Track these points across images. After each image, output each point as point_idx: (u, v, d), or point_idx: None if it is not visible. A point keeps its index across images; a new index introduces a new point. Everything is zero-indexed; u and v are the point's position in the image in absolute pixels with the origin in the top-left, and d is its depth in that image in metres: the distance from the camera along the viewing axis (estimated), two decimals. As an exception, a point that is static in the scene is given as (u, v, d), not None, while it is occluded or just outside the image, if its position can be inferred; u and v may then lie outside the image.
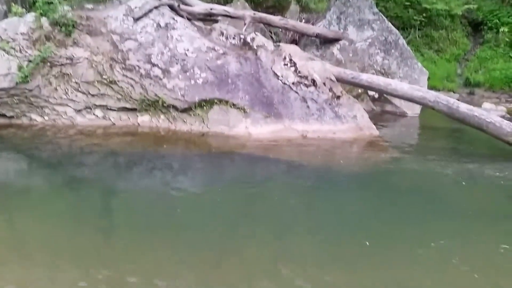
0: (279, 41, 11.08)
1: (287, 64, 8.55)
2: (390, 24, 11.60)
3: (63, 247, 4.20)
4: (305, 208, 5.51)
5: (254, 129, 7.93)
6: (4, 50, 7.56)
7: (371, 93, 11.01)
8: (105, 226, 4.81)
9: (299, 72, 8.47)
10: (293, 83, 8.37)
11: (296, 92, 8.31)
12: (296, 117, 8.15)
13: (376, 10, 11.60)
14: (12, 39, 7.75)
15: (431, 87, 11.72)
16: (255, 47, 8.77)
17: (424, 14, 15.85)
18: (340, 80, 8.90)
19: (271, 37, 11.24)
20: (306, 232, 4.74)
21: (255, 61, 8.57)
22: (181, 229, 4.66)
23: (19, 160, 6.95)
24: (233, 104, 8.09)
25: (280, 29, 11.53)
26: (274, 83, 8.38)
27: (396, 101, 10.84)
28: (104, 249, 4.28)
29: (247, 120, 7.99)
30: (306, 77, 8.43)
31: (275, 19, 10.05)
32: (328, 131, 8.15)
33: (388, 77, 10.07)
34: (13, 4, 8.71)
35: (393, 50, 11.36)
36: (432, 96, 8.33)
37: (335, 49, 11.17)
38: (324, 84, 8.50)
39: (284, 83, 8.34)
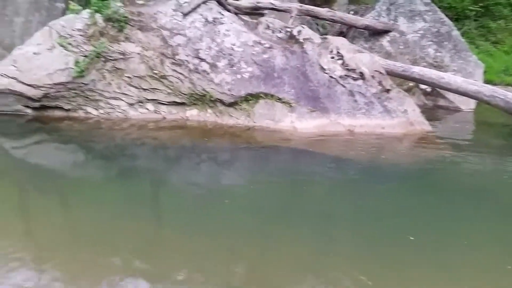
0: (326, 34, 10.90)
1: (334, 57, 8.40)
2: (443, 15, 11.11)
3: (109, 235, 4.35)
4: (351, 203, 5.39)
5: (299, 123, 7.87)
6: (62, 46, 7.96)
7: (423, 87, 10.60)
8: (152, 217, 4.94)
9: (346, 65, 8.30)
10: (340, 77, 8.22)
11: (343, 86, 8.16)
12: (343, 111, 8.00)
13: (428, 0, 11.13)
14: (69, 35, 8.13)
15: (487, 81, 11.13)
16: (302, 40, 8.69)
17: (480, 4, 15.01)
18: (390, 73, 8.64)
19: (318, 29, 11.09)
20: (351, 227, 4.65)
21: (301, 55, 8.49)
22: (227, 221, 4.70)
23: (75, 151, 7.28)
24: (279, 99, 8.07)
25: (327, 22, 11.34)
26: (320, 76, 8.27)
27: (450, 95, 10.38)
28: (149, 239, 4.38)
29: (292, 114, 7.95)
30: (354, 70, 8.25)
31: (323, 11, 9.90)
32: (376, 126, 7.94)
33: (440, 71, 9.64)
34: (71, 2, 9.18)
35: (446, 42, 10.89)
36: (488, 90, 7.91)
37: (384, 41, 10.86)
38: (373, 77, 8.28)
39: (331, 77, 8.21)
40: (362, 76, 8.20)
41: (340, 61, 8.33)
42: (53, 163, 6.75)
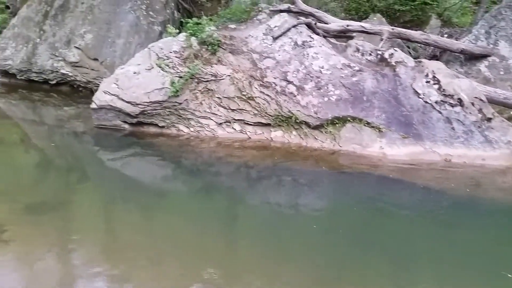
0: (418, 57, 10.42)
1: (429, 82, 7.97)
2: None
3: (189, 246, 4.53)
4: (437, 241, 4.98)
5: (389, 149, 7.53)
6: (160, 66, 8.47)
7: (527, 115, 9.62)
8: (236, 236, 5.02)
9: (443, 90, 7.82)
10: (436, 102, 7.76)
11: (440, 112, 7.68)
12: (439, 139, 7.50)
13: (535, 22, 10.20)
14: (166, 56, 8.65)
15: None
16: (394, 63, 8.39)
17: None
18: (490, 100, 7.99)
19: (409, 52, 10.64)
20: (432, 267, 4.31)
21: (393, 78, 8.18)
22: (298, 246, 4.62)
23: (165, 166, 7.65)
24: (367, 123, 7.81)
25: (419, 45, 10.86)
26: (414, 101, 7.87)
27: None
28: (234, 259, 4.43)
29: (382, 140, 7.62)
30: (451, 96, 7.74)
31: (415, 34, 9.49)
32: (476, 157, 7.33)
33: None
34: (169, 26, 9.79)
35: (556, 68, 9.83)
36: None
37: (482, 66, 10.08)
38: (473, 104, 7.69)
39: (426, 102, 7.78)
40: (460, 102, 7.66)
41: (436, 86, 7.87)
42: (143, 176, 7.19)
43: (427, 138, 7.52)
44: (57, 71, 12.12)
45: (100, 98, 8.28)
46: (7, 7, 15.41)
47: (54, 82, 12.49)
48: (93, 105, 8.37)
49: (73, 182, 6.64)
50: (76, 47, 11.58)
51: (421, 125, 7.62)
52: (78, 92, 12.20)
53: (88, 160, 7.77)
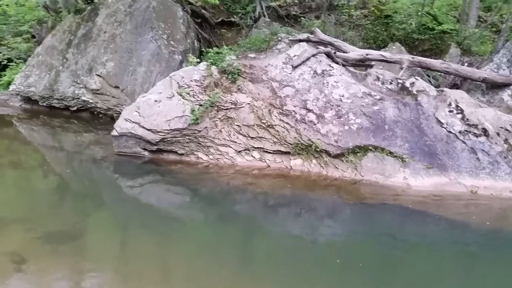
0: (438, 86, 10.32)
1: (452, 111, 7.85)
2: None
3: (204, 278, 4.47)
4: (464, 277, 4.78)
5: (413, 180, 7.34)
6: (180, 95, 8.55)
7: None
8: (248, 265, 4.93)
9: (467, 119, 7.68)
10: (460, 132, 7.61)
11: (464, 142, 7.51)
12: (464, 170, 7.31)
13: (559, 50, 10.06)
14: (187, 85, 8.74)
15: None
16: (415, 92, 8.31)
17: None
18: (516, 130, 7.79)
19: (429, 81, 10.56)
20: None
21: (415, 107, 8.08)
22: (318, 280, 4.47)
23: (183, 193, 7.61)
24: (390, 152, 7.67)
25: (439, 73, 10.78)
26: (437, 131, 7.74)
27: None
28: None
29: (405, 170, 7.45)
30: (475, 126, 7.59)
31: (436, 63, 9.42)
32: (503, 189, 7.09)
33: None
34: (190, 55, 9.94)
35: None
36: None
37: (505, 95, 9.89)
38: (498, 134, 7.52)
39: (449, 132, 7.63)
40: (485, 132, 7.49)
41: (459, 116, 7.74)
42: (162, 204, 7.17)
43: (452, 168, 7.33)
44: (78, 98, 12.35)
45: (121, 125, 8.35)
46: (33, 37, 15.94)
47: (75, 108, 12.72)
48: (114, 132, 8.43)
49: (92, 210, 6.62)
50: (98, 75, 11.81)
51: (445, 155, 7.45)
52: (98, 118, 12.39)
53: (107, 187, 7.78)
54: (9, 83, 14.40)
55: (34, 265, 4.49)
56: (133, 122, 8.32)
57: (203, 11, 13.97)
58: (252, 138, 8.40)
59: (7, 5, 14.86)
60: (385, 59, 9.40)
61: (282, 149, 8.34)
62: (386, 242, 5.63)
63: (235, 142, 8.41)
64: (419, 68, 10.37)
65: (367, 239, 5.69)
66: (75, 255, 4.91)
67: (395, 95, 8.48)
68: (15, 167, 8.53)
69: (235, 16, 13.86)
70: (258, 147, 8.42)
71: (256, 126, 8.40)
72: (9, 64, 15.33)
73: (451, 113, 7.81)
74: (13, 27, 16.72)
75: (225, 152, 8.43)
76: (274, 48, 9.71)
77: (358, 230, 6.11)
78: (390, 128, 7.88)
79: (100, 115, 12.36)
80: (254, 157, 8.44)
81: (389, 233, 5.96)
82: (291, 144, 8.25)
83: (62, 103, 12.83)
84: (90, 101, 12.18)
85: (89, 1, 13.84)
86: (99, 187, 7.75)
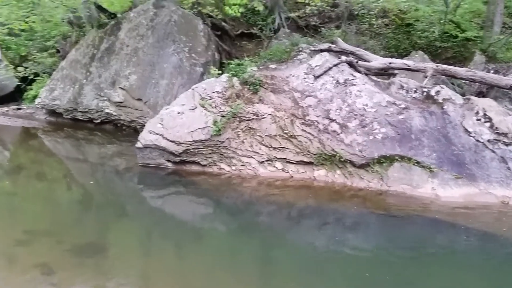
0: (463, 94, 10.10)
1: (480, 119, 7.65)
2: None
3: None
4: None
5: (442, 191, 7.15)
6: (203, 106, 8.59)
7: None
8: (273, 278, 4.86)
9: (496, 128, 7.47)
10: (488, 141, 7.40)
11: (493, 151, 7.30)
12: (494, 180, 7.09)
13: None
14: (209, 97, 8.78)
15: None
16: (441, 101, 8.15)
17: None
18: (548, 138, 7.53)
19: (454, 89, 10.34)
20: None
21: (442, 116, 7.91)
22: None
23: (206, 204, 7.61)
24: (417, 162, 7.50)
25: (464, 82, 10.56)
26: (465, 140, 7.54)
27: None
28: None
29: (433, 180, 7.27)
30: (505, 135, 7.37)
31: (461, 70, 9.22)
32: (537, 199, 6.84)
33: None
34: (212, 67, 10.02)
35: None
36: None
37: (534, 102, 9.64)
38: (529, 142, 7.28)
39: (478, 141, 7.43)
40: (516, 141, 7.27)
41: (487, 124, 7.54)
42: (184, 214, 7.21)
43: (482, 178, 7.12)
44: (101, 111, 12.57)
45: (145, 137, 8.42)
46: (58, 51, 16.38)
47: (98, 121, 12.94)
48: (138, 144, 8.51)
49: (117, 221, 6.67)
50: (121, 88, 12.01)
51: (474, 165, 7.24)
52: (121, 130, 12.56)
53: (131, 198, 7.85)
54: (35, 97, 14.80)
55: (62, 277, 4.51)
56: (157, 134, 8.39)
57: (223, 23, 14.11)
58: (274, 148, 8.35)
59: (34, 22, 15.31)
60: (408, 67, 9.25)
61: (305, 159, 8.26)
62: (414, 255, 5.48)
63: (258, 152, 8.38)
64: (443, 77, 10.19)
65: (395, 251, 5.53)
66: (101, 268, 4.93)
67: (420, 104, 8.32)
68: (40, 179, 8.69)
69: (254, 28, 13.94)
70: (280, 158, 8.36)
71: (278, 136, 8.35)
72: (35, 78, 15.76)
73: (479, 122, 7.61)
74: (39, 42, 17.26)
75: (247, 162, 8.40)
76: (295, 58, 9.68)
77: (386, 242, 5.95)
78: (417, 138, 7.72)
79: (124, 127, 12.53)
80: (276, 167, 8.38)
81: (418, 246, 5.79)
82: (314, 154, 8.16)
83: (86, 116, 13.07)
84: (114, 113, 12.37)
85: (112, 15, 14.18)
86: (123, 199, 7.82)
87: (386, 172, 7.61)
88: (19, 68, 16.08)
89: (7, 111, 15.40)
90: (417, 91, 8.56)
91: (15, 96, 17.14)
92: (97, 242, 5.57)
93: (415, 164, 7.47)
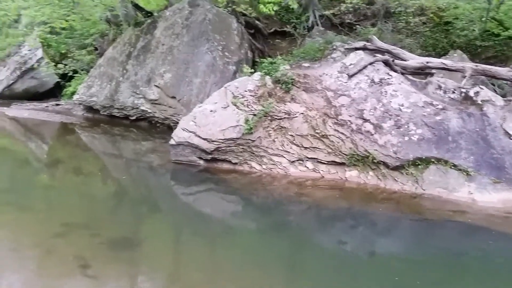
0: (505, 95, 9.68)
1: (523, 122, 7.32)
2: None
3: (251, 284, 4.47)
4: None
5: (479, 195, 6.89)
6: (235, 105, 8.63)
7: None
8: (302, 279, 4.83)
9: (539, 131, 7.13)
10: (531, 145, 7.07)
11: (536, 156, 6.97)
12: (537, 185, 6.77)
13: None
14: (241, 95, 8.80)
15: None
16: (480, 102, 7.85)
17: None
18: None
19: (494, 90, 9.94)
20: None
21: (481, 117, 7.63)
22: None
23: (236, 202, 7.68)
24: (454, 165, 7.25)
25: (505, 82, 10.12)
26: (505, 143, 7.24)
27: None
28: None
29: (471, 184, 7.02)
30: (549, 138, 7.02)
31: (502, 71, 8.83)
32: None
33: None
34: (245, 65, 10.05)
35: None
36: None
37: None
38: None
39: (519, 144, 7.11)
40: (562, 145, 6.91)
41: (531, 127, 7.21)
42: (215, 211, 7.29)
43: (523, 183, 6.81)
44: (137, 108, 12.86)
45: (178, 135, 8.56)
46: (96, 49, 16.89)
47: (134, 117, 13.25)
48: (171, 142, 8.66)
49: (150, 216, 6.84)
50: (156, 86, 12.23)
51: (515, 169, 6.94)
52: (155, 127, 12.81)
53: (164, 194, 8.04)
54: (73, 93, 15.31)
55: (97, 270, 4.66)
56: (190, 132, 8.50)
57: (256, 21, 14.12)
58: (305, 148, 8.29)
59: (74, 20, 15.83)
60: (446, 67, 8.95)
61: (337, 159, 8.15)
62: (448, 261, 5.32)
63: (288, 152, 8.34)
64: (483, 77, 9.80)
65: (427, 257, 5.38)
66: (135, 261, 5.08)
67: (458, 105, 8.05)
68: (77, 173, 9.00)
69: (288, 26, 13.87)
70: (311, 158, 8.29)
71: (310, 136, 8.28)
72: (74, 75, 16.32)
73: (521, 124, 7.29)
74: (78, 40, 17.83)
75: (278, 162, 8.38)
76: (328, 57, 9.57)
77: (419, 247, 5.82)
78: (454, 140, 7.47)
79: (158, 124, 12.78)
80: (307, 167, 8.31)
81: (452, 252, 5.62)
82: (346, 155, 8.04)
83: (122, 113, 13.42)
84: (148, 110, 12.64)
85: (148, 14, 14.48)
86: (156, 194, 8.00)
87: (421, 175, 7.41)
88: (59, 65, 16.66)
89: (46, 106, 16.02)
90: (455, 91, 8.28)
91: (54, 92, 17.85)
92: (131, 236, 5.73)
93: (452, 167, 7.23)
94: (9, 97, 17.55)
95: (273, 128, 8.47)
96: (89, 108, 14.53)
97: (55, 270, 4.67)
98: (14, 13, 16.29)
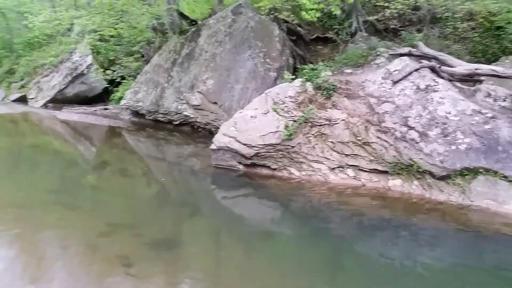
0: None
1: None
2: None
3: None
4: None
5: (533, 209, 6.51)
6: (275, 111, 8.67)
7: None
8: (334, 284, 4.82)
9: None
10: None
11: None
12: None
13: None
14: (282, 101, 8.84)
15: None
16: (534, 111, 7.42)
17: None
18: None
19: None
20: None
21: (535, 127, 7.21)
22: None
23: (275, 207, 7.66)
24: (504, 176, 6.90)
25: None
26: (562, 154, 6.80)
27: None
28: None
29: (523, 197, 6.65)
30: None
31: (560, 77, 8.33)
32: None
33: None
34: (286, 71, 10.07)
35: None
36: None
37: None
38: None
39: None
40: None
41: None
42: (253, 216, 7.32)
43: None
44: (180, 113, 13.20)
45: (219, 139, 8.70)
46: (142, 56, 17.53)
47: (177, 122, 13.60)
48: (212, 146, 8.82)
49: (192, 219, 6.97)
50: (199, 92, 12.51)
51: None
52: (197, 132, 13.09)
53: (205, 198, 8.17)
54: (120, 98, 15.98)
55: (140, 269, 4.80)
56: (230, 137, 8.62)
57: (298, 28, 14.13)
58: (346, 155, 8.17)
59: (122, 28, 16.53)
60: (497, 74, 8.54)
61: (379, 168, 7.97)
62: (496, 277, 5.07)
63: (329, 159, 8.25)
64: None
65: (473, 271, 5.16)
66: (177, 262, 5.19)
67: (509, 114, 7.66)
68: (122, 175, 9.33)
69: (330, 32, 13.76)
70: (352, 165, 8.15)
71: (351, 143, 8.15)
72: (121, 81, 17.02)
73: None
74: (125, 47, 18.61)
75: (317, 168, 8.30)
76: (372, 63, 9.41)
77: (462, 259, 5.57)
78: (504, 150, 7.10)
79: (199, 129, 13.04)
80: (348, 175, 8.18)
81: (497, 266, 5.37)
82: (389, 163, 7.84)
83: (166, 117, 13.82)
84: (191, 116, 12.93)
85: (192, 22, 14.87)
86: (197, 197, 8.16)
87: (468, 186, 7.09)
88: (108, 71, 17.48)
89: (95, 110, 16.82)
90: (506, 99, 7.90)
91: (103, 97, 18.73)
92: (172, 238, 5.88)
93: (502, 178, 6.88)
94: (61, 101, 18.61)
95: (313, 134, 8.43)
96: (135, 113, 15.08)
97: (99, 267, 4.85)
98: (67, 22, 17.29)
